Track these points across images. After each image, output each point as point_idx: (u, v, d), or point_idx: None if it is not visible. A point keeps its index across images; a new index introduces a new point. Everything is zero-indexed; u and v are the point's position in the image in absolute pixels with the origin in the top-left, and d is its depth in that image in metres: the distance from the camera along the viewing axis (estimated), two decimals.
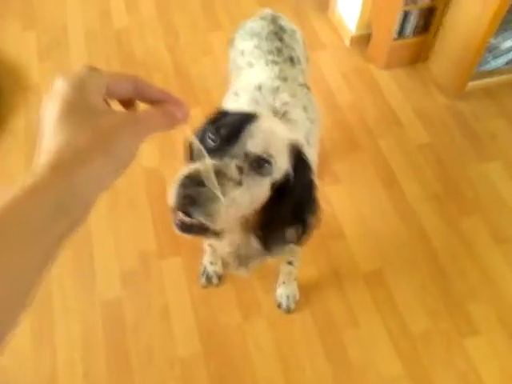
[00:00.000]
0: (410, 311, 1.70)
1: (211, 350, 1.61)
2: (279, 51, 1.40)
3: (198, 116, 2.14)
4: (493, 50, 2.20)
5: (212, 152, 0.81)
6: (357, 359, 1.61)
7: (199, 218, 0.79)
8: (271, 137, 0.87)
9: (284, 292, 1.66)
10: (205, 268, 1.70)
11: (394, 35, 2.21)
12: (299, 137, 1.06)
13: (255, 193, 0.86)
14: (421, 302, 1.72)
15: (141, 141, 0.45)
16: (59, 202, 0.39)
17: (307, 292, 1.73)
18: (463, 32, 2.07)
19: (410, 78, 2.33)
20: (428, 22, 2.22)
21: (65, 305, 1.68)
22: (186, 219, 0.82)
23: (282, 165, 0.89)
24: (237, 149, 0.82)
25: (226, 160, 0.81)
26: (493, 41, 2.14)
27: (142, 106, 0.51)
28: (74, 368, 1.57)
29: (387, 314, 1.69)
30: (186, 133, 0.56)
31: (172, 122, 0.49)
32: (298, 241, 1.03)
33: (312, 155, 1.24)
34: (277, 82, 1.29)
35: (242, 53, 1.45)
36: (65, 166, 0.41)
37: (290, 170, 0.91)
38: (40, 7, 2.56)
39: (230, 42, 1.56)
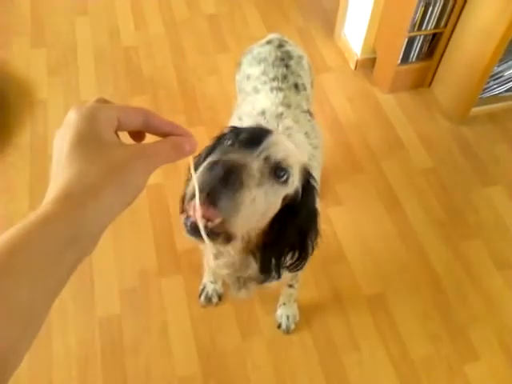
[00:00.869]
0: (412, 336, 1.68)
1: (210, 369, 1.60)
2: (284, 78, 1.41)
3: (203, 135, 2.17)
4: (497, 78, 2.22)
5: (233, 152, 0.81)
6: (356, 382, 1.59)
7: (224, 206, 0.74)
8: (289, 150, 0.88)
9: (284, 312, 1.65)
10: (204, 287, 1.69)
11: (399, 60, 2.24)
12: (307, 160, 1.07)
13: (271, 200, 0.84)
14: (422, 326, 1.71)
15: (150, 173, 0.46)
16: (70, 234, 0.40)
17: (308, 314, 1.71)
18: (467, 58, 2.10)
19: (414, 103, 2.35)
20: (432, 47, 2.25)
21: (63, 321, 1.67)
22: (198, 221, 0.75)
23: (295, 180, 0.89)
24: (258, 152, 0.82)
25: (249, 157, 0.80)
26: (497, 68, 2.16)
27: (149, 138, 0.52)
28: (70, 380, 1.56)
29: (388, 337, 1.68)
30: (190, 164, 0.56)
31: (181, 154, 0.49)
32: (295, 267, 1.02)
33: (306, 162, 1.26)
34: (280, 108, 1.31)
35: (249, 77, 1.47)
36: (76, 198, 0.41)
37: (300, 190, 0.91)
38: (50, 25, 2.60)
39: (238, 65, 1.59)
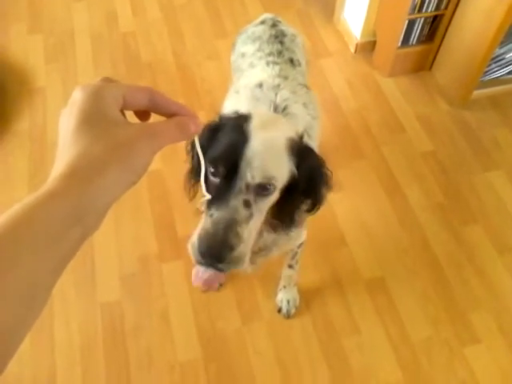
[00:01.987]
0: (412, 319, 1.69)
1: (211, 354, 1.61)
2: (280, 53, 1.42)
3: (203, 119, 2.14)
4: (498, 60, 2.20)
5: (218, 197, 0.83)
6: (357, 366, 1.60)
7: (228, 268, 0.84)
8: (268, 155, 0.86)
9: (284, 297, 1.66)
10: None
11: (399, 43, 2.22)
12: (298, 127, 1.05)
13: (264, 209, 0.89)
14: (422, 309, 1.71)
15: (155, 152, 0.46)
16: (74, 211, 0.40)
17: (308, 298, 1.72)
18: (469, 41, 2.07)
19: (415, 86, 2.33)
20: (433, 30, 2.22)
21: (64, 306, 1.68)
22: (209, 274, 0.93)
23: (283, 175, 0.89)
24: (239, 183, 0.83)
25: (233, 202, 0.82)
26: (498, 51, 2.14)
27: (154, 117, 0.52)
28: (73, 370, 1.57)
29: (388, 321, 1.68)
30: (196, 142, 0.57)
31: (186, 134, 0.50)
32: (313, 211, 1.04)
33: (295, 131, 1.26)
34: (277, 79, 1.31)
35: (243, 55, 1.47)
36: (81, 175, 0.41)
37: (294, 169, 0.90)
38: (47, 11, 2.58)
39: (232, 45, 1.59)
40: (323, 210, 1.89)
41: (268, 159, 0.85)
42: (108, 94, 0.45)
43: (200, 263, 0.85)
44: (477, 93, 2.24)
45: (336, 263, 1.80)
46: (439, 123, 2.21)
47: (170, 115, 0.50)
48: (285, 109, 1.22)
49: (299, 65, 1.46)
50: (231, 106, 1.33)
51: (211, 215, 0.82)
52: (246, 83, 1.35)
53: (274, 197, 0.89)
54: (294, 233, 1.13)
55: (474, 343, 1.65)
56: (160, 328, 1.65)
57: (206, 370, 1.58)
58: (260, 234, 1.05)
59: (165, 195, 1.92)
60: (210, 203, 0.83)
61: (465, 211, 1.95)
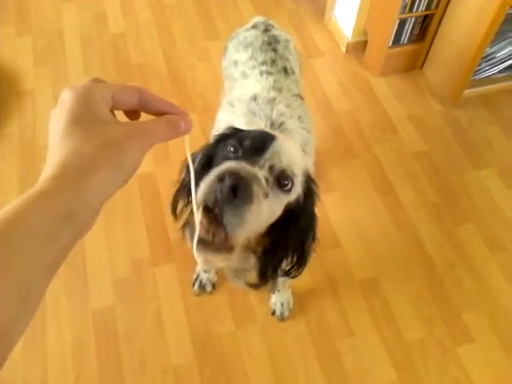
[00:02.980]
0: (405, 319, 1.69)
1: (204, 357, 1.60)
2: (273, 62, 1.40)
3: (194, 122, 2.13)
4: (489, 59, 2.20)
5: (238, 161, 0.78)
6: (351, 367, 1.59)
7: (230, 222, 0.72)
8: (293, 157, 0.85)
9: (278, 300, 1.65)
10: (198, 276, 1.69)
11: (390, 43, 2.22)
12: (308, 163, 1.04)
13: (273, 209, 0.83)
14: (416, 310, 1.71)
15: (145, 151, 0.46)
16: (67, 210, 0.40)
17: (301, 300, 1.71)
18: (459, 40, 2.08)
19: (406, 86, 2.33)
20: (424, 29, 2.22)
21: (56, 312, 1.66)
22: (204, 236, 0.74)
23: (298, 187, 0.87)
24: (263, 161, 0.80)
25: (256, 168, 0.78)
26: (489, 49, 2.14)
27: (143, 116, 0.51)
28: (65, 375, 1.55)
29: (382, 322, 1.68)
30: (186, 143, 0.56)
31: (176, 132, 0.49)
32: (294, 272, 1.02)
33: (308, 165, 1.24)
34: (272, 92, 1.29)
35: (236, 63, 1.45)
36: (72, 175, 0.41)
37: (301, 196, 0.89)
38: (35, 12, 2.55)
39: (223, 50, 1.56)
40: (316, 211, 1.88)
41: (293, 159, 0.84)
42: (97, 94, 0.45)
43: (209, 202, 0.71)
44: (468, 92, 2.24)
45: (329, 264, 1.80)
46: (431, 122, 2.21)
47: (160, 114, 0.50)
48: (281, 125, 1.21)
49: (293, 73, 1.45)
50: (226, 118, 1.32)
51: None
52: (239, 95, 1.33)
53: (283, 204, 0.85)
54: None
55: (468, 343, 1.65)
56: (153, 332, 1.64)
57: (199, 373, 1.57)
58: (244, 260, 1.02)
59: (157, 198, 1.90)
60: None
61: (457, 211, 1.95)
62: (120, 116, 0.49)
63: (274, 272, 0.97)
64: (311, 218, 0.95)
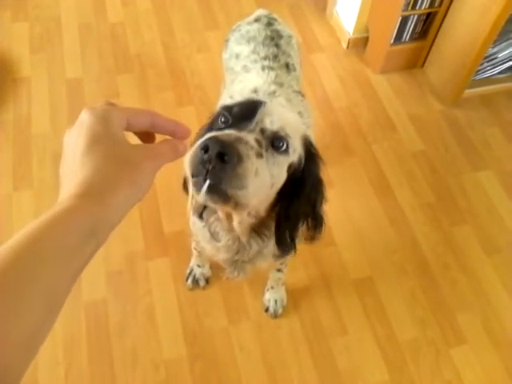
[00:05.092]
0: (399, 319, 1.68)
1: (196, 352, 1.59)
2: (275, 57, 1.38)
3: (192, 115, 2.11)
4: (491, 59, 2.19)
5: (227, 128, 0.78)
6: (344, 366, 1.59)
7: (228, 184, 0.69)
8: (286, 118, 0.84)
9: (272, 296, 1.64)
10: (191, 270, 1.67)
11: (392, 40, 2.20)
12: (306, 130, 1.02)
13: (275, 171, 0.80)
14: (410, 310, 1.71)
15: (156, 171, 0.51)
16: (92, 227, 0.43)
17: (295, 298, 1.71)
18: (462, 39, 2.06)
19: (406, 84, 2.31)
20: (426, 27, 2.20)
21: None
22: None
23: (297, 148, 0.85)
24: (253, 125, 0.79)
25: (244, 132, 0.76)
26: (491, 50, 2.13)
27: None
28: (56, 369, 1.54)
29: (376, 321, 1.68)
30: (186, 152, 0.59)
31: (177, 155, 0.55)
32: (313, 237, 1.00)
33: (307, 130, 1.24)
34: (273, 86, 1.28)
35: (237, 56, 1.43)
36: (97, 193, 0.45)
37: (303, 158, 0.88)
38: None
39: (225, 42, 1.54)
40: None
41: (285, 120, 0.83)
42: (114, 117, 0.49)
43: (199, 168, 0.69)
44: (468, 92, 2.23)
45: (324, 262, 1.79)
46: (430, 121, 2.20)
47: (167, 133, 0.56)
48: None
49: (294, 70, 1.43)
50: None
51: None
52: (240, 88, 1.31)
53: (284, 166, 0.83)
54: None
55: (460, 344, 1.65)
56: (145, 326, 1.63)
57: (191, 368, 1.56)
58: (246, 246, 1.03)
59: (152, 192, 1.88)
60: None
61: (454, 211, 1.94)
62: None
63: (291, 238, 0.95)
64: (318, 183, 0.94)
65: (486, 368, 1.61)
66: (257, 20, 1.48)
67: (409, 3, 2.04)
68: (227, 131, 0.74)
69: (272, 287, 1.63)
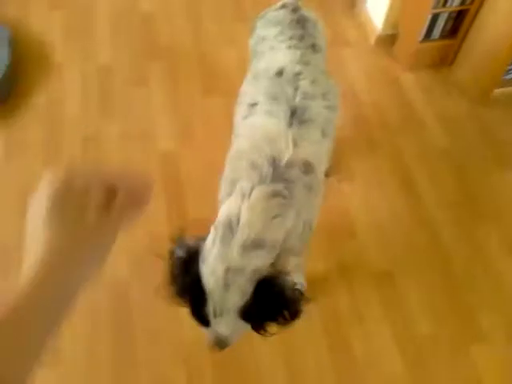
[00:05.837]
0: (418, 313, 1.68)
1: None
2: (302, 38, 1.39)
3: (219, 106, 2.12)
4: None
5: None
6: (359, 354, 1.60)
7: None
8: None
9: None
10: None
11: (421, 37, 2.19)
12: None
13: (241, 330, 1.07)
14: (429, 305, 1.70)
15: (117, 234, 0.53)
16: (61, 293, 0.47)
17: (314, 287, 1.71)
18: (492, 38, 2.04)
19: (434, 82, 2.30)
20: (457, 25, 2.19)
21: None
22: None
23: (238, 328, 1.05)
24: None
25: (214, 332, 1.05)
26: None
27: None
28: (78, 343, 1.59)
29: (394, 314, 1.68)
30: None
31: (137, 216, 0.55)
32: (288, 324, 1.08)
33: (325, 147, 1.26)
34: (298, 66, 1.28)
35: (264, 39, 1.45)
36: (59, 262, 0.47)
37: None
38: None
39: (252, 29, 1.56)
40: (335, 200, 1.88)
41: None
42: (78, 183, 0.49)
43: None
44: (497, 91, 2.21)
45: (345, 254, 1.79)
46: (457, 120, 2.19)
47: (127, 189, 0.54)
48: (303, 113, 1.19)
49: (320, 50, 1.44)
50: (248, 93, 1.33)
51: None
52: (265, 68, 1.33)
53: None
54: None
55: (479, 341, 1.64)
56: (167, 307, 1.65)
57: (210, 352, 1.58)
58: None
59: (177, 177, 1.92)
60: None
61: (478, 210, 1.92)
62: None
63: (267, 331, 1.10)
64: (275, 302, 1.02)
65: (505, 367, 1.60)
66: (283, 6, 1.50)
67: (440, 0, 2.03)
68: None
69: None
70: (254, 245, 0.99)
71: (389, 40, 2.39)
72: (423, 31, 2.17)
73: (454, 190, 1.97)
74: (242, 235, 0.99)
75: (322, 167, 1.24)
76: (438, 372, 1.58)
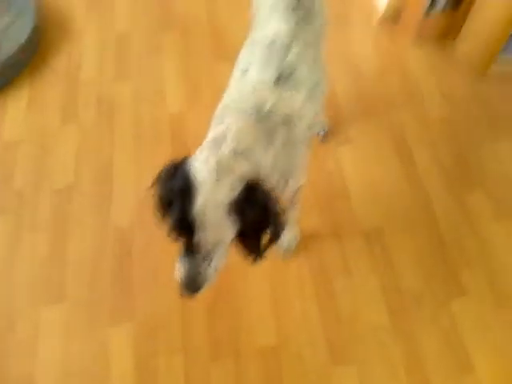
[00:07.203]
0: (404, 270, 1.76)
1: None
2: (296, 7, 1.39)
3: (228, 71, 2.21)
4: None
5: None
6: (345, 306, 1.69)
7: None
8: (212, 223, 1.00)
9: (286, 233, 1.75)
10: None
11: (425, 11, 2.25)
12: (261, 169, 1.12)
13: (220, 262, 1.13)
14: (416, 262, 1.78)
15: None
16: None
17: (306, 242, 1.81)
18: (496, 12, 2.07)
19: (438, 55, 2.36)
20: None
21: (80, 220, 1.86)
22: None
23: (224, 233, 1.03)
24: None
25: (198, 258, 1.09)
26: None
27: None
28: (82, 278, 1.75)
29: (381, 268, 1.76)
30: None
31: None
32: (273, 240, 1.11)
33: (311, 110, 1.30)
34: (288, 39, 1.31)
35: (261, 6, 1.49)
36: None
37: (238, 224, 1.02)
38: None
39: None
40: (330, 161, 1.97)
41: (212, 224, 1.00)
42: None
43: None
44: (499, 65, 2.24)
45: (337, 212, 1.88)
46: (458, 92, 2.24)
47: None
48: (290, 74, 1.24)
49: (317, 19, 1.46)
50: (245, 58, 1.36)
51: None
52: (261, 38, 1.35)
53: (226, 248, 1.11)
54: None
55: (461, 295, 1.71)
56: (167, 248, 1.77)
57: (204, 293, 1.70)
58: None
59: (185, 135, 2.05)
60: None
61: (469, 177, 1.99)
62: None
63: (259, 251, 1.13)
64: (263, 214, 1.04)
65: (485, 323, 1.67)
66: None
67: None
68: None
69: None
70: (243, 155, 1.06)
71: (393, 14, 2.44)
72: (427, 5, 2.22)
73: (448, 157, 2.03)
74: (231, 142, 1.06)
75: (303, 125, 1.27)
76: (419, 325, 1.66)
